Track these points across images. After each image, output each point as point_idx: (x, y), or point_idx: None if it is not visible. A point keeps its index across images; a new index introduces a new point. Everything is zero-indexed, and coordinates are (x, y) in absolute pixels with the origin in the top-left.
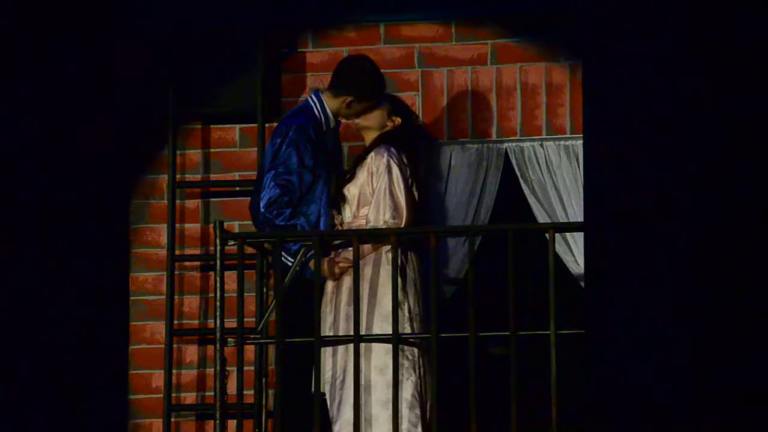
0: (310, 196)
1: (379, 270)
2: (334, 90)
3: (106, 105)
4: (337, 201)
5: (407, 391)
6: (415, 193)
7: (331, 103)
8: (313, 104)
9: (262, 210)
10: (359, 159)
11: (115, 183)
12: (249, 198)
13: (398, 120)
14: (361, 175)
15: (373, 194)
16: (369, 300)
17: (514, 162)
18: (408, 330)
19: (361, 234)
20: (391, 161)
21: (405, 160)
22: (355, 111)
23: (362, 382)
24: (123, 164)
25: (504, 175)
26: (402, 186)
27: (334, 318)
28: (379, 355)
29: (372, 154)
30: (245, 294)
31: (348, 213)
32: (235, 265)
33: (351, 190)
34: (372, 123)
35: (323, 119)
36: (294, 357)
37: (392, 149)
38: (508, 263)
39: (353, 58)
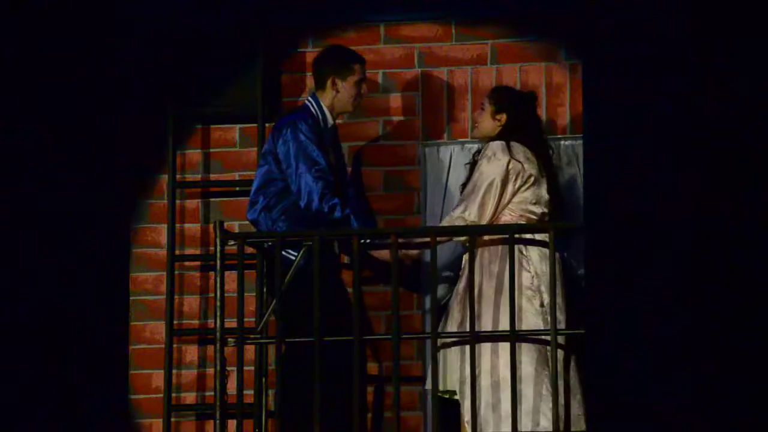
0: None
1: (505, 265)
2: (317, 85)
3: (106, 105)
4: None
5: (541, 384)
6: (532, 190)
7: (323, 98)
8: (309, 104)
9: (316, 206)
10: (474, 158)
11: (115, 183)
12: (249, 198)
13: (503, 117)
14: None
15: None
16: (495, 297)
17: None
18: (534, 324)
19: (361, 234)
20: (494, 157)
21: (521, 156)
22: (348, 93)
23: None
24: (123, 164)
25: None
26: (496, 183)
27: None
28: (531, 351)
29: (486, 145)
30: (245, 294)
31: None
32: (235, 265)
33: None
34: (483, 129)
35: (320, 117)
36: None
37: (502, 144)
38: (509, 263)
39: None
